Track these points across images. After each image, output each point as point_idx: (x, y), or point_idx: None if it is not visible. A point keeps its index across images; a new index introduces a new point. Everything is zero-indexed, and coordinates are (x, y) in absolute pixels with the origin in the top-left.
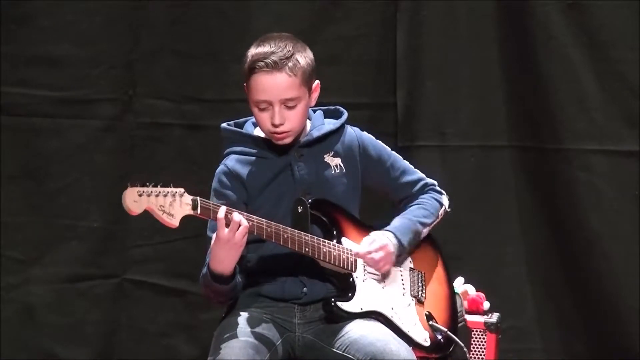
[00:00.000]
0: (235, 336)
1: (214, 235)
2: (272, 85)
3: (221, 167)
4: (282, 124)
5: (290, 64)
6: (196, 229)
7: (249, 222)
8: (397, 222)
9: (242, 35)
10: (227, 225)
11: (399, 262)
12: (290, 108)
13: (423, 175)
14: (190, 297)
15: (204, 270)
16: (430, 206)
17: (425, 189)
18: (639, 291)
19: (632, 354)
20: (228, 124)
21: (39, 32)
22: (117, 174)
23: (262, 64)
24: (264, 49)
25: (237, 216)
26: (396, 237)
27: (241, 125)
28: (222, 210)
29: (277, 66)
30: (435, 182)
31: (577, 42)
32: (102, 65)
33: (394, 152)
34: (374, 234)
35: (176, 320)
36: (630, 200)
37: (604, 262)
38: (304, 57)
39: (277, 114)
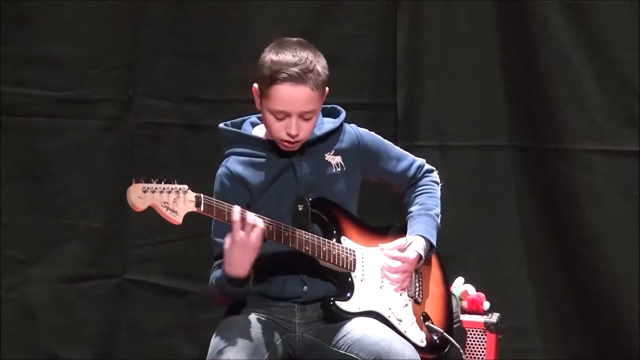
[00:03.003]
0: (234, 336)
1: (221, 240)
2: (295, 98)
3: (222, 170)
4: (297, 135)
5: (313, 77)
6: (196, 229)
7: None
8: (422, 222)
9: (242, 35)
10: (242, 228)
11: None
12: (306, 120)
13: (413, 157)
14: (190, 297)
15: (217, 274)
16: (436, 191)
17: (420, 171)
18: (639, 291)
19: (632, 354)
20: (225, 124)
21: (39, 32)
22: (117, 174)
23: (285, 75)
24: (286, 57)
25: (251, 217)
26: (431, 244)
27: (239, 125)
28: (237, 212)
29: (301, 79)
30: (424, 160)
31: (577, 42)
32: (102, 65)
33: (386, 141)
34: (409, 241)
35: (176, 320)
36: (630, 200)
37: (604, 262)
38: (323, 68)
39: (294, 125)
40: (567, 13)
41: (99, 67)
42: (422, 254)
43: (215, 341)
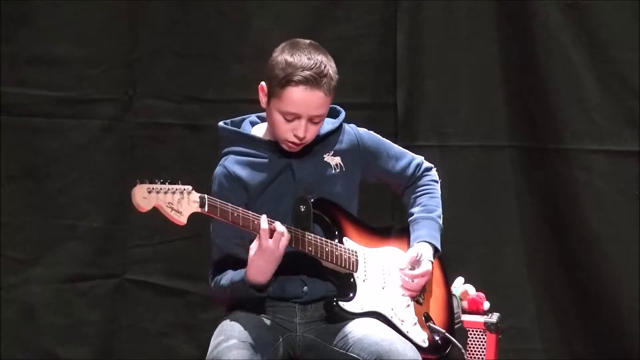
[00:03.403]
0: (234, 336)
1: (221, 241)
2: (308, 101)
3: (220, 170)
4: (304, 137)
5: (327, 82)
6: (196, 229)
7: (254, 221)
8: (425, 226)
9: (242, 35)
10: (270, 236)
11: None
12: (314, 123)
13: (412, 155)
14: (190, 297)
15: (235, 278)
16: (436, 191)
17: (419, 170)
18: (639, 291)
19: (632, 354)
20: (225, 123)
21: (39, 32)
22: (117, 174)
23: (300, 77)
24: (301, 60)
25: (280, 227)
26: (436, 248)
27: (238, 124)
28: (265, 221)
29: (316, 83)
30: (422, 158)
31: (577, 42)
32: (102, 65)
33: (385, 140)
34: (419, 252)
35: (176, 320)
36: (630, 200)
37: (604, 262)
38: (334, 72)
39: (302, 127)
40: (567, 13)
41: (99, 67)
42: (432, 260)
43: (215, 341)
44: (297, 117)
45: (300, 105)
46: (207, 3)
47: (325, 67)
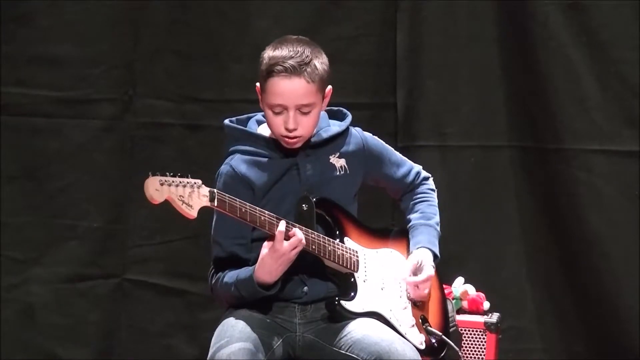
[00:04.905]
0: (234, 336)
1: (222, 240)
2: (290, 90)
3: (226, 168)
4: (295, 129)
5: (308, 70)
6: (196, 229)
7: (261, 217)
8: (424, 232)
9: (242, 35)
10: (287, 239)
11: None
12: (304, 114)
13: (411, 164)
14: (190, 297)
15: (243, 275)
16: (434, 199)
17: (418, 178)
18: (639, 291)
19: (632, 354)
20: (231, 121)
21: (39, 32)
22: (117, 174)
23: (280, 67)
24: (282, 52)
25: (299, 233)
26: (435, 254)
27: (244, 122)
28: (283, 224)
29: (295, 71)
30: (421, 167)
31: (577, 42)
32: (102, 65)
33: (387, 146)
34: (420, 259)
35: (176, 320)
36: (630, 200)
37: (604, 262)
38: (321, 63)
39: (291, 119)
40: (567, 13)
41: (99, 67)
42: (433, 265)
43: (215, 341)
44: (284, 107)
45: (282, 95)
46: (207, 3)
47: (307, 57)
